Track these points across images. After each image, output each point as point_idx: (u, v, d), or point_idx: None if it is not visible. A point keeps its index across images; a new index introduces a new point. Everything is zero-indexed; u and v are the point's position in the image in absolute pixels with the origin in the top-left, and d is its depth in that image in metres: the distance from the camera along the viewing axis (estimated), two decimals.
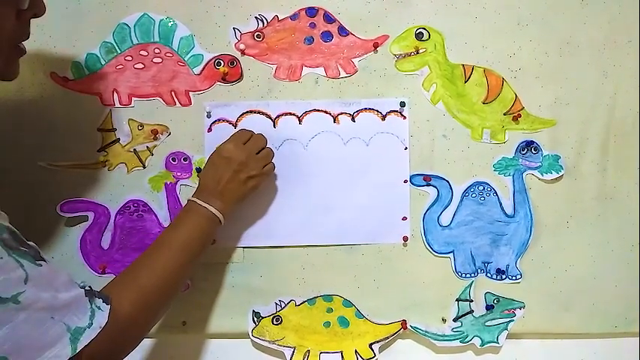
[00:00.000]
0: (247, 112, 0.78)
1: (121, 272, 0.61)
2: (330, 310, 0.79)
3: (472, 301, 0.79)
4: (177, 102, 0.78)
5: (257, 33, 0.78)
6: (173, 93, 0.78)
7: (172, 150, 0.78)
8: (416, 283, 0.79)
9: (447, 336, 0.79)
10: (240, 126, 0.78)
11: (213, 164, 0.71)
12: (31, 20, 0.59)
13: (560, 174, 0.78)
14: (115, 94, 0.78)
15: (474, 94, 0.78)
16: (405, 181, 0.79)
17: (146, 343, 0.80)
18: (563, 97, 0.78)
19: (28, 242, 0.51)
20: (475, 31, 0.78)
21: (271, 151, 0.74)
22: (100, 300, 0.54)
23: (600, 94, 0.78)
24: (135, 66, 0.77)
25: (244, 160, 0.70)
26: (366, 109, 0.79)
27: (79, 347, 0.50)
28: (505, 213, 0.79)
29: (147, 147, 0.78)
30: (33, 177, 0.77)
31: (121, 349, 0.57)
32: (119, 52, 0.77)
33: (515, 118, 0.78)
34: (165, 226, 0.78)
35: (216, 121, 0.78)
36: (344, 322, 0.79)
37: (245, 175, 0.70)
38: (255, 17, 0.78)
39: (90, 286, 0.55)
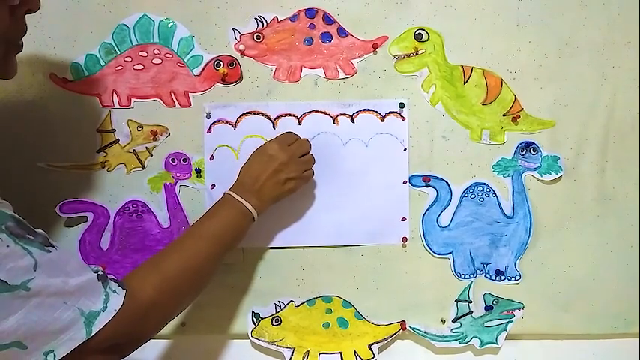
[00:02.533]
0: (247, 113, 0.78)
1: (150, 257, 0.62)
2: (329, 311, 0.79)
3: (471, 301, 0.79)
4: (176, 103, 0.78)
5: (256, 34, 0.78)
6: (173, 94, 0.78)
7: (172, 151, 0.79)
8: (415, 283, 0.79)
9: (446, 336, 0.79)
10: (239, 127, 0.78)
11: (255, 161, 0.71)
12: (31, 20, 0.58)
13: (559, 175, 0.78)
14: (115, 95, 0.78)
15: (473, 95, 0.78)
16: (405, 182, 0.79)
17: (145, 344, 0.80)
18: (562, 98, 0.79)
19: (36, 230, 0.51)
20: (474, 32, 0.78)
21: (313, 158, 0.74)
22: (116, 284, 0.54)
23: (599, 95, 0.79)
24: (134, 67, 0.78)
25: (286, 161, 0.70)
26: (365, 110, 0.79)
27: (94, 330, 0.50)
28: (504, 214, 0.79)
29: (146, 148, 0.78)
30: (32, 178, 0.77)
31: (143, 333, 0.57)
32: (119, 53, 0.77)
33: (515, 119, 0.78)
34: (165, 226, 0.79)
35: (215, 122, 0.78)
36: (343, 322, 0.79)
37: (284, 176, 0.70)
38: (255, 18, 0.78)
39: (103, 270, 0.55)
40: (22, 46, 0.58)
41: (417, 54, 0.78)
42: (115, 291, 0.53)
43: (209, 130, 0.78)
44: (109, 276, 0.55)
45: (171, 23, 0.77)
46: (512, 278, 0.79)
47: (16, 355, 0.47)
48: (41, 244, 0.50)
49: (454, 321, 0.79)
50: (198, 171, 0.78)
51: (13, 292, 0.46)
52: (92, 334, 0.50)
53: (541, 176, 0.79)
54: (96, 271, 0.54)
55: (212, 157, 0.78)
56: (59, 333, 0.49)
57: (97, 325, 0.51)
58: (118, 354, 0.55)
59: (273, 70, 0.78)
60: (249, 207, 0.68)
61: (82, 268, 0.53)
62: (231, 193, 0.68)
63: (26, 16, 0.57)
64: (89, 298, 0.51)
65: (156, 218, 0.79)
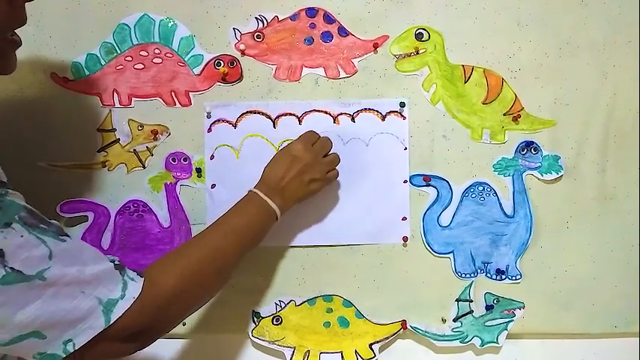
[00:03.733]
0: (247, 112, 0.78)
1: (172, 249, 0.62)
2: (330, 311, 0.79)
3: (472, 301, 0.79)
4: (177, 102, 0.78)
5: (257, 33, 0.78)
6: (173, 93, 0.78)
7: (172, 150, 0.79)
8: (416, 283, 0.79)
9: (446, 336, 0.79)
10: (240, 126, 0.78)
11: (279, 160, 0.71)
12: (32, 20, 0.58)
13: (560, 174, 0.78)
14: (115, 95, 0.78)
15: (473, 95, 0.78)
16: (405, 182, 0.79)
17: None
18: (562, 98, 0.79)
19: (50, 220, 0.51)
20: (475, 31, 0.78)
21: (337, 157, 0.74)
22: (134, 273, 0.55)
23: (600, 95, 0.78)
24: (135, 66, 0.78)
25: (311, 162, 0.70)
26: (365, 109, 0.79)
27: (113, 318, 0.51)
28: (505, 213, 0.79)
29: (147, 147, 0.78)
30: (33, 177, 0.77)
31: (163, 322, 0.57)
32: (119, 52, 0.77)
33: (515, 119, 0.78)
34: (165, 226, 0.79)
35: (216, 121, 0.78)
36: (344, 322, 0.79)
37: (309, 177, 0.70)
38: (255, 17, 0.78)
39: (119, 260, 0.55)
40: (19, 42, 0.57)
41: (417, 53, 0.78)
42: (132, 279, 0.54)
43: (209, 130, 0.78)
44: (124, 265, 0.55)
45: (172, 22, 0.77)
46: (513, 278, 0.79)
47: (35, 345, 0.48)
48: (55, 234, 0.50)
49: (455, 320, 0.79)
50: (198, 170, 0.78)
51: (29, 283, 0.46)
52: (111, 323, 0.51)
53: (542, 175, 0.79)
54: (112, 261, 0.54)
55: (212, 157, 0.78)
56: (77, 322, 0.49)
57: (116, 313, 0.51)
58: (139, 343, 0.56)
59: (274, 69, 0.78)
60: (274, 206, 0.68)
61: (98, 257, 0.53)
62: (256, 190, 0.69)
63: (26, 17, 0.56)
64: (106, 286, 0.51)
65: (156, 218, 0.79)
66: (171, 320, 0.59)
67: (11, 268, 0.45)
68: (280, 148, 0.73)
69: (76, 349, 0.49)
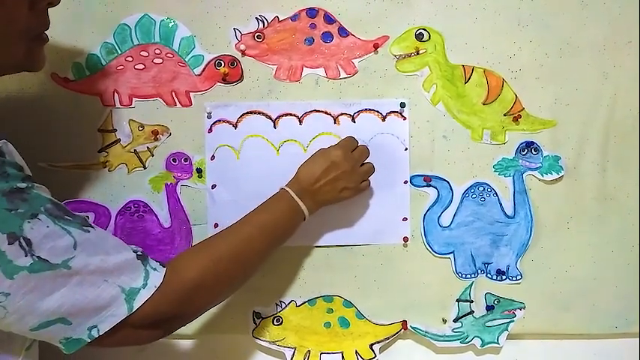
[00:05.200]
0: (248, 112, 0.78)
1: (202, 240, 0.64)
2: (330, 311, 0.79)
3: (472, 301, 0.79)
4: (177, 102, 0.78)
5: (257, 34, 0.78)
6: (174, 93, 0.78)
7: (173, 150, 0.79)
8: (416, 283, 0.79)
9: (447, 336, 0.79)
10: (240, 127, 0.78)
11: (317, 163, 0.71)
12: None
13: (561, 175, 0.78)
14: (116, 95, 0.78)
15: (474, 95, 0.78)
16: (405, 182, 0.79)
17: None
18: (563, 98, 0.79)
19: (74, 212, 0.53)
20: (475, 31, 0.78)
21: (372, 167, 0.75)
22: (157, 263, 0.56)
23: (600, 95, 0.78)
24: (135, 66, 0.78)
25: (348, 170, 0.71)
26: (366, 109, 0.79)
27: (135, 306, 0.53)
28: (505, 214, 0.79)
29: (147, 147, 0.78)
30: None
31: (187, 311, 0.59)
32: (120, 52, 0.77)
33: (516, 119, 0.78)
34: (166, 226, 0.79)
35: (216, 121, 0.78)
36: (344, 322, 0.79)
37: (343, 184, 0.71)
38: (256, 18, 0.78)
39: (142, 251, 0.57)
40: (46, 38, 0.60)
41: (417, 54, 0.78)
42: (155, 269, 0.55)
43: (210, 130, 0.78)
44: (147, 255, 0.57)
45: (172, 23, 0.77)
46: (514, 278, 0.79)
47: (61, 331, 0.50)
48: (80, 225, 0.52)
49: (455, 321, 0.79)
50: (199, 171, 0.78)
51: (55, 271, 0.48)
52: (133, 310, 0.52)
53: (542, 176, 0.79)
54: (135, 251, 0.56)
55: (213, 157, 0.78)
56: (101, 309, 0.51)
57: (138, 302, 0.53)
58: (162, 330, 0.57)
59: (274, 69, 0.78)
60: (303, 207, 0.69)
61: (122, 247, 0.55)
62: (287, 189, 0.69)
63: (49, 21, 0.58)
64: (129, 275, 0.53)
65: (157, 218, 0.79)
66: (195, 310, 0.60)
67: (38, 257, 0.47)
68: (318, 150, 0.73)
69: (101, 334, 0.51)
